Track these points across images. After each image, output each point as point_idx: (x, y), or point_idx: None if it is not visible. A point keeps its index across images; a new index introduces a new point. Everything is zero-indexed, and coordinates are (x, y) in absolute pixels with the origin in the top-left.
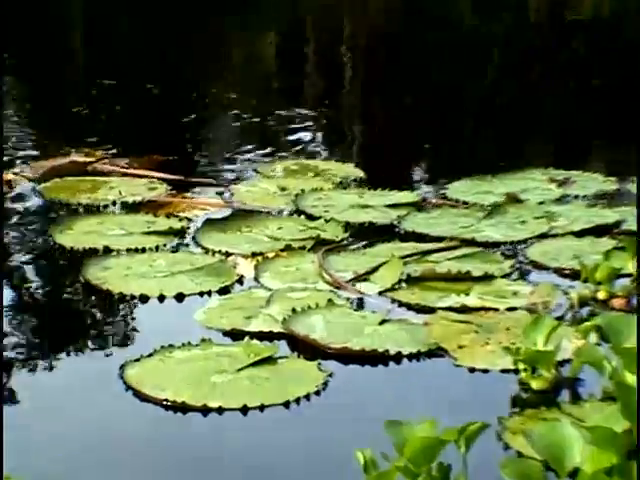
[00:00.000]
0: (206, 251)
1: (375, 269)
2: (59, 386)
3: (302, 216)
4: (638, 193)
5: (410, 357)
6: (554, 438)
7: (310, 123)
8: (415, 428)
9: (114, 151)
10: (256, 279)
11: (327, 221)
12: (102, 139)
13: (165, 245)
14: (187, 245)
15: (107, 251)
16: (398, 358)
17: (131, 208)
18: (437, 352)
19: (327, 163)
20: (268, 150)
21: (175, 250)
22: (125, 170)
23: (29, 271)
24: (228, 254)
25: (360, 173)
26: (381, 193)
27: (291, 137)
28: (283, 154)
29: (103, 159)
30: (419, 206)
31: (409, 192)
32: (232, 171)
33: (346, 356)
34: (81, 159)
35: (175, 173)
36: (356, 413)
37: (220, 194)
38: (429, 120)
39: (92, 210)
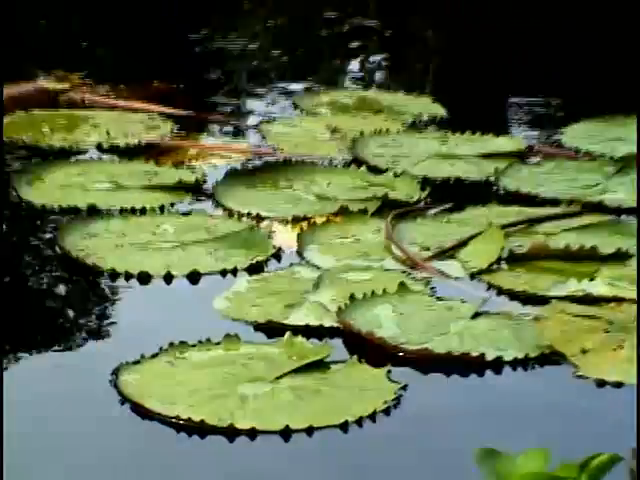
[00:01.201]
0: (230, 214)
1: (465, 242)
2: (26, 399)
3: (362, 168)
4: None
5: (514, 364)
6: None
7: (369, 39)
8: (519, 460)
9: (96, 76)
10: (299, 253)
11: (397, 175)
12: (80, 59)
13: (173, 205)
14: (203, 206)
15: (93, 212)
16: (498, 366)
17: (124, 154)
18: (552, 358)
19: (393, 96)
20: (310, 76)
21: (187, 212)
22: (113, 102)
23: None
24: (260, 218)
25: (440, 110)
26: (471, 138)
27: (343, 58)
28: (331, 82)
29: (81, 86)
30: (524, 156)
31: (510, 137)
32: (262, 105)
33: (426, 362)
34: (51, 86)
35: (183, 107)
36: (438, 439)
37: (246, 137)
38: (536, 36)
39: (70, 156)
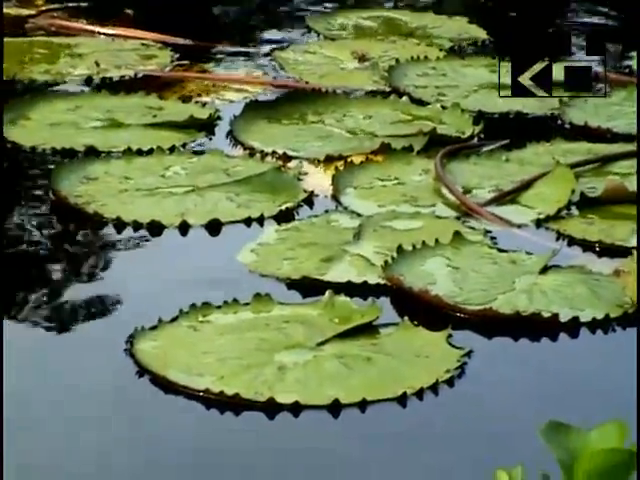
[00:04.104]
0: (251, 153)
1: (528, 185)
2: (28, 375)
3: (404, 99)
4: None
5: (592, 325)
6: None
7: None
8: (592, 436)
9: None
10: (335, 198)
11: (445, 108)
12: None
13: (184, 145)
14: (219, 145)
15: (91, 153)
16: (573, 327)
17: (119, 88)
18: (636, 318)
19: (421, 16)
20: None
21: (201, 151)
22: (95, 28)
23: None
24: (287, 157)
25: (480, 33)
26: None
27: None
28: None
29: (50, 12)
30: (591, 85)
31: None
32: (270, 28)
33: (490, 323)
34: (14, 11)
35: (180, 35)
36: (507, 412)
37: (260, 67)
38: None
39: (56, 90)
